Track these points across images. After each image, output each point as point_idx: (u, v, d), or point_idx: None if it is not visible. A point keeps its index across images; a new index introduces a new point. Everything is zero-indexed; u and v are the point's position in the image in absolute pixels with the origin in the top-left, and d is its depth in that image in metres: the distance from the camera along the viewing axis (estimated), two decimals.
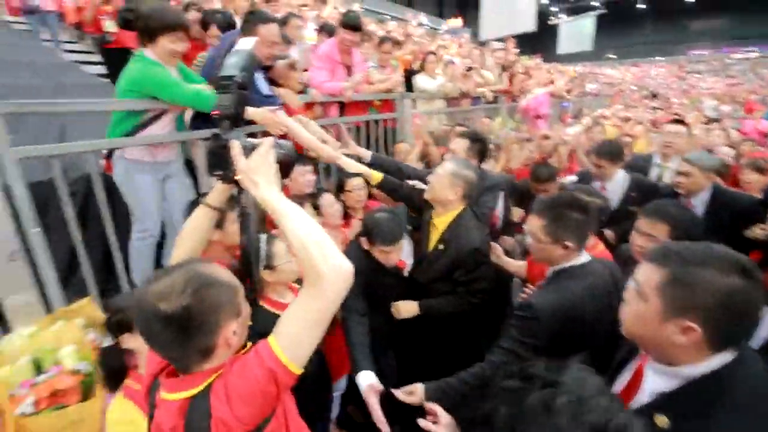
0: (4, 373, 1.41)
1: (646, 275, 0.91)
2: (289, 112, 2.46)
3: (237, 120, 1.00)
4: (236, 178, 0.97)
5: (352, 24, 3.08)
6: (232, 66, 0.98)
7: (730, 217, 2.36)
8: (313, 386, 1.76)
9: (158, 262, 2.19)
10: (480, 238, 1.96)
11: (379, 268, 1.88)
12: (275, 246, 1.63)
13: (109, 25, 4.94)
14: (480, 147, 2.43)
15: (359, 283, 1.77)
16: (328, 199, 2.27)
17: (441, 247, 1.97)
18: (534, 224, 1.47)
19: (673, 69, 28.40)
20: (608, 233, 2.47)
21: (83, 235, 1.82)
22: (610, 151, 2.71)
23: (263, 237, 1.68)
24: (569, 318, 1.33)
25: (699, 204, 2.47)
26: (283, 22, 3.84)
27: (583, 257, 1.48)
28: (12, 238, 1.51)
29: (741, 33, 31.34)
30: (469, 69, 4.65)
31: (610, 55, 33.69)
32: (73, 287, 1.95)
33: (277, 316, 1.69)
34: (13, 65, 3.77)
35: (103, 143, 1.94)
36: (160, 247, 2.20)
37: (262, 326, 1.04)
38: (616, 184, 2.70)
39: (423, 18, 11.88)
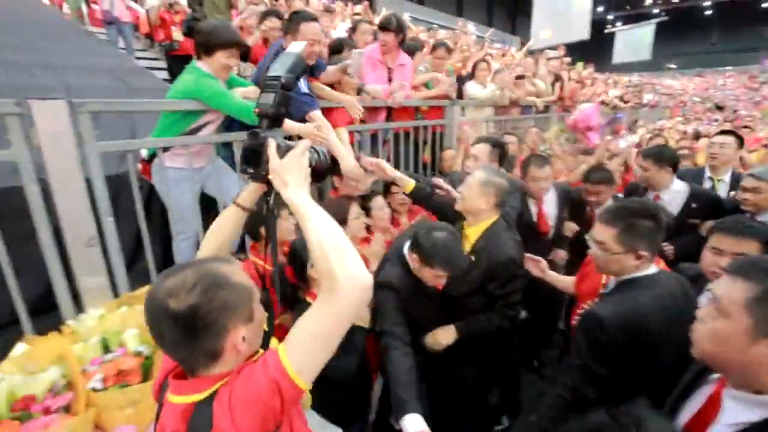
0: (78, 349, 1.53)
1: (730, 290, 0.84)
2: (335, 124, 2.48)
3: (277, 120, 1.00)
4: (268, 177, 0.96)
5: (386, 25, 3.14)
6: (279, 67, 0.98)
7: None
8: (354, 384, 1.75)
9: None
10: (515, 248, 1.87)
11: (419, 287, 1.77)
12: None
13: (177, 35, 5.38)
14: (500, 152, 2.38)
15: (398, 306, 1.72)
16: (378, 202, 2.28)
17: (472, 258, 1.87)
18: (604, 234, 1.40)
19: (743, 79, 26.36)
20: (667, 248, 2.30)
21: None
22: (657, 153, 2.53)
23: None
24: (636, 330, 1.25)
25: None
26: (353, 28, 3.97)
27: (652, 268, 1.40)
28: (90, 226, 1.64)
29: None
30: (521, 77, 4.55)
31: (671, 65, 31.82)
32: (135, 274, 2.09)
33: None
34: (94, 69, 4.12)
35: (177, 140, 2.05)
36: None
37: None
38: (674, 193, 2.50)
39: (471, 27, 11.78)
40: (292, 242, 1.85)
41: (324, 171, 1.08)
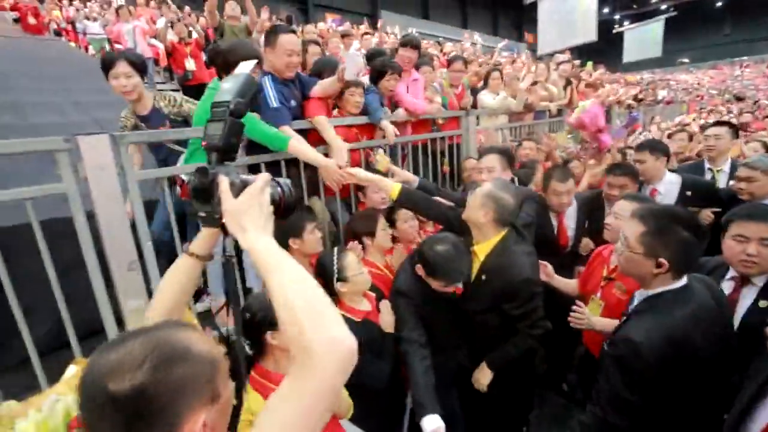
0: None
1: (632, 229, 1.28)
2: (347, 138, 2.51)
3: (228, 151, 0.85)
4: (222, 221, 0.81)
5: (410, 43, 3.25)
6: (226, 91, 0.85)
7: None
8: (389, 390, 1.79)
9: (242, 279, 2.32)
10: (529, 265, 1.81)
11: (433, 293, 1.79)
12: (347, 258, 1.75)
13: (190, 65, 5.63)
14: (508, 158, 2.38)
15: (413, 311, 1.78)
16: (404, 215, 2.27)
17: (483, 277, 1.84)
18: (631, 229, 1.33)
19: (762, 68, 25.70)
20: None
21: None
22: (652, 144, 2.63)
23: (335, 250, 1.80)
24: (677, 355, 1.17)
25: None
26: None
27: (683, 279, 1.32)
28: (131, 250, 1.72)
29: None
30: (535, 83, 4.57)
31: (683, 60, 31.31)
32: None
33: (353, 322, 1.71)
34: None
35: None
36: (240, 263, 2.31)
37: None
38: (669, 185, 2.60)
39: (477, 37, 11.90)
40: (319, 255, 1.91)
41: (290, 205, 0.93)
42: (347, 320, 1.35)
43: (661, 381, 1.16)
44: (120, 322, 1.79)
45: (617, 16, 30.02)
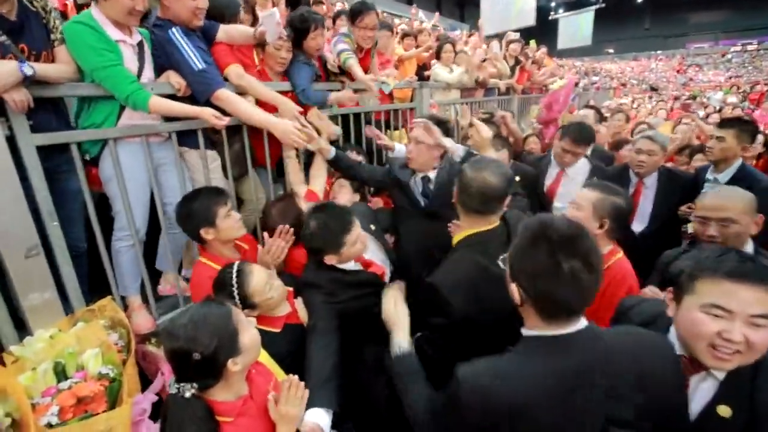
0: (26, 380, 1.28)
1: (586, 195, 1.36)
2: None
3: None
4: None
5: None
6: None
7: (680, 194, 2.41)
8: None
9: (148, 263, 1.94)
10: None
11: (346, 277, 1.62)
12: (250, 282, 1.47)
13: None
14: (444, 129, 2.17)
15: (321, 300, 1.54)
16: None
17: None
18: None
19: (673, 62, 28.37)
20: None
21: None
22: (581, 134, 2.52)
23: (234, 269, 1.50)
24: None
25: (651, 183, 2.48)
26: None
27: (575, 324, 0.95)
28: (30, 233, 1.38)
29: (740, 25, 31.28)
30: (484, 60, 4.54)
31: (609, 50, 33.62)
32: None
33: (273, 334, 1.57)
34: None
35: (134, 129, 1.75)
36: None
37: None
38: (579, 170, 2.60)
39: (422, 15, 11.71)
40: None
41: None
42: (266, 334, 1.14)
43: None
44: (20, 323, 1.45)
45: (553, 4, 31.26)
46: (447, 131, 2.09)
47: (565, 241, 0.89)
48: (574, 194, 1.75)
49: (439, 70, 4.00)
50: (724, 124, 2.41)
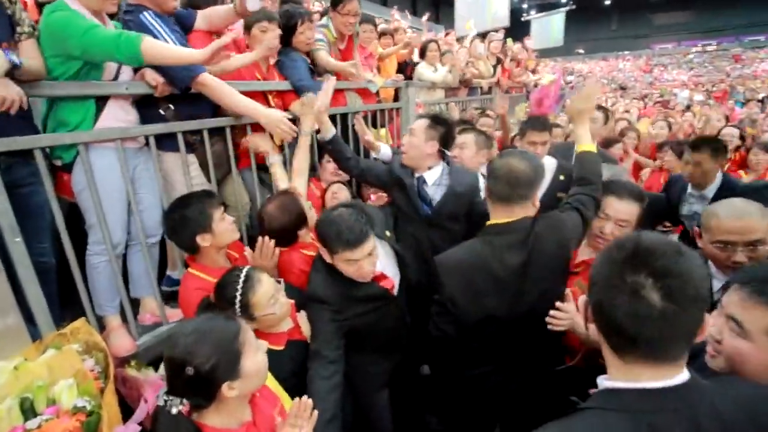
0: None
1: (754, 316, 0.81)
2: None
3: None
4: None
5: None
6: None
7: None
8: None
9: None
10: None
11: (356, 292, 1.51)
12: (255, 293, 1.36)
13: None
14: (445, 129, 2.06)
15: (327, 319, 1.46)
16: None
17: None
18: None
19: (639, 62, 29.42)
20: None
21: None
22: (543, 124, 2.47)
23: (241, 276, 1.38)
24: None
25: None
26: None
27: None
28: None
29: (701, 27, 32.82)
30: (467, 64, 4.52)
31: (579, 50, 34.57)
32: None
33: (276, 353, 1.46)
34: None
35: (119, 130, 1.60)
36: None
37: None
38: (547, 167, 2.53)
39: (397, 15, 11.69)
40: None
41: None
42: (268, 352, 1.05)
43: None
44: None
45: (525, 5, 31.92)
46: (449, 131, 2.01)
47: (639, 252, 0.71)
48: None
49: (423, 70, 3.95)
50: (696, 148, 2.30)
